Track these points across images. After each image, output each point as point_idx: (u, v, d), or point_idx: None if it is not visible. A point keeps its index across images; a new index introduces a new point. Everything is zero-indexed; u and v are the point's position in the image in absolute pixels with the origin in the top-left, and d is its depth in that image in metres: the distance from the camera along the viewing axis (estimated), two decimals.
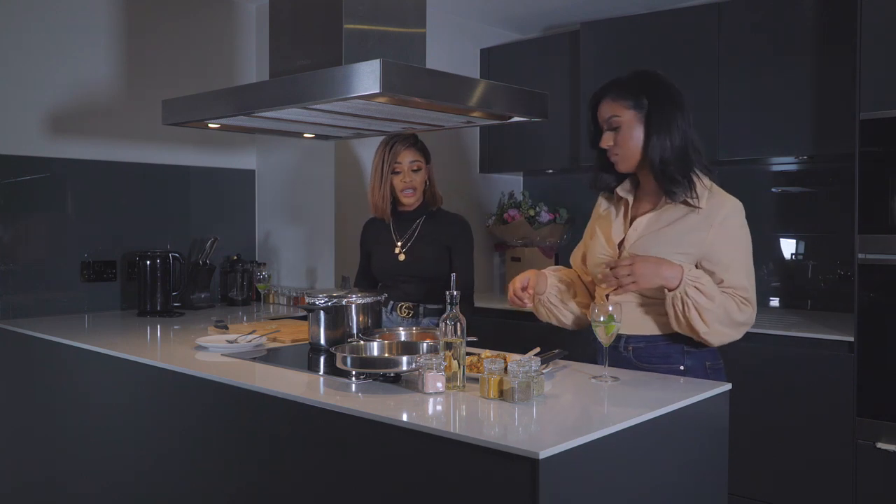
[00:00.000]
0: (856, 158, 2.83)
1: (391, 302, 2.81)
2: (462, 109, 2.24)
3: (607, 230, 2.17)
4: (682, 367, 2.07)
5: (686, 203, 2.03)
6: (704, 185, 2.04)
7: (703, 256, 2.01)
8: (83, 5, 3.39)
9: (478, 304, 3.77)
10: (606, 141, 2.09)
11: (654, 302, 2.06)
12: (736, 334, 2.02)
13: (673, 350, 2.08)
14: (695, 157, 2.04)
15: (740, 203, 2.05)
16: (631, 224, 2.12)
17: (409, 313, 2.80)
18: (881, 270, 2.78)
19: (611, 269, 1.99)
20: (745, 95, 3.37)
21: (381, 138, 2.87)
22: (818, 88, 3.19)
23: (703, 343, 2.03)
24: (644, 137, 2.04)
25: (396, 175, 2.77)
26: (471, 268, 2.82)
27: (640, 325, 2.08)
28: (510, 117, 2.38)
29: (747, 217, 2.06)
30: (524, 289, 2.16)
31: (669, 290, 1.96)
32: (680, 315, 1.97)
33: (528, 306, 2.20)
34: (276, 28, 2.39)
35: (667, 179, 2.02)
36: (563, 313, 2.24)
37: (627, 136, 2.06)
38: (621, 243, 2.12)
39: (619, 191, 2.17)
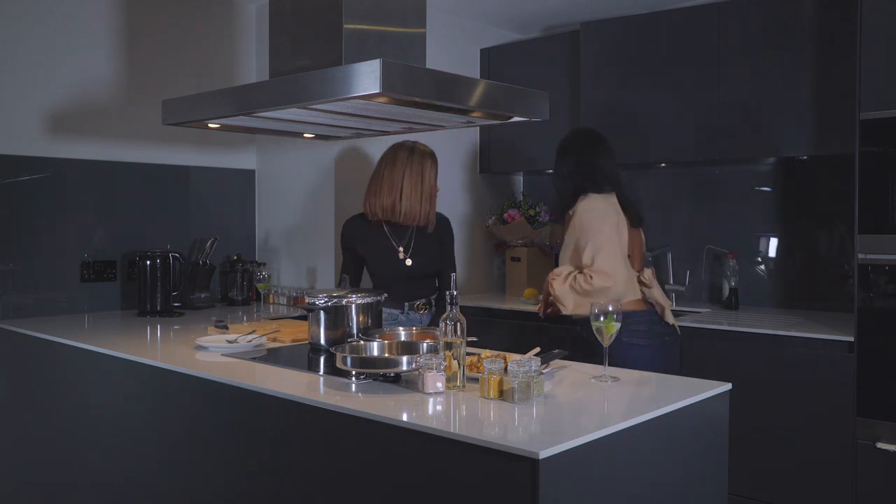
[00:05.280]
0: (856, 158, 2.83)
1: (405, 303, 2.91)
2: (462, 109, 2.24)
3: None
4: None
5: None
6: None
7: (575, 250, 2.62)
8: (83, 5, 3.39)
9: (478, 304, 3.81)
10: None
11: None
12: (596, 299, 2.45)
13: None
14: (573, 191, 2.69)
15: (592, 199, 2.63)
16: None
17: (426, 308, 2.95)
18: (881, 270, 2.78)
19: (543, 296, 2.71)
20: (745, 95, 3.37)
21: (394, 140, 3.00)
22: (818, 88, 3.19)
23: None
24: None
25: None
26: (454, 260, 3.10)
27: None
28: (510, 117, 2.38)
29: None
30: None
31: None
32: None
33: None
34: (276, 28, 2.39)
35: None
36: None
37: None
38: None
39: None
